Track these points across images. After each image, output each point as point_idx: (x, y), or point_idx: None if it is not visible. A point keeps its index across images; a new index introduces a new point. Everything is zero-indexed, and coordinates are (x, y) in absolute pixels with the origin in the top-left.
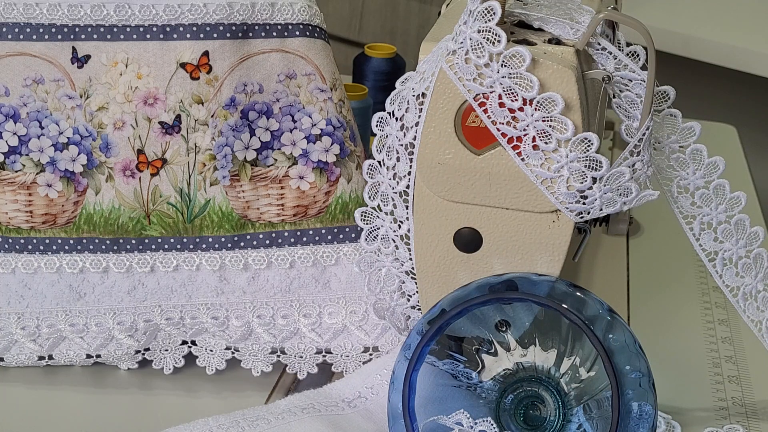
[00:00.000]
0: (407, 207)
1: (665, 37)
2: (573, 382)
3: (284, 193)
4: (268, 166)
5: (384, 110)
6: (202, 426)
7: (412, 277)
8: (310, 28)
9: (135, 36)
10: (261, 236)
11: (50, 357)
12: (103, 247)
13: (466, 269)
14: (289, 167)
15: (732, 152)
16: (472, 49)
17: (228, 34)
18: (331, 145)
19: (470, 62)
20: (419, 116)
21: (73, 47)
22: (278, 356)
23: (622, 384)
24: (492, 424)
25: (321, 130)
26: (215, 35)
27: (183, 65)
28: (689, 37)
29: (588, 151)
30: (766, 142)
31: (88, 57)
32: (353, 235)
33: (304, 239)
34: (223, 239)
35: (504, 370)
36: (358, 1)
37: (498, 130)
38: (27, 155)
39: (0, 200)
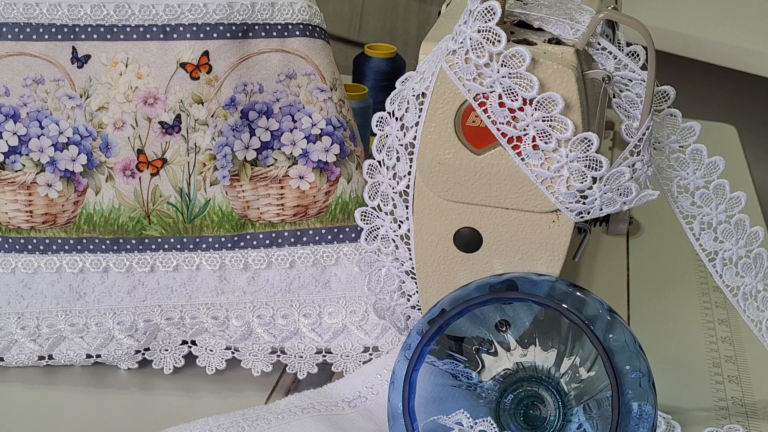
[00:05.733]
0: (407, 207)
1: (664, 36)
2: (573, 381)
3: (284, 193)
4: (268, 166)
5: (384, 110)
6: (202, 426)
7: (412, 277)
8: (310, 27)
9: (135, 36)
10: (261, 236)
11: (50, 357)
12: (103, 246)
13: (466, 269)
14: (289, 167)
15: (732, 152)
16: (472, 49)
17: (228, 34)
18: (331, 145)
19: (470, 62)
20: (419, 116)
21: (73, 47)
22: (278, 356)
23: (622, 384)
24: (492, 424)
25: (321, 130)
26: (215, 35)
27: (183, 65)
28: (688, 37)
29: (588, 150)
30: (766, 142)
31: (88, 57)
32: (353, 235)
33: (304, 239)
34: (223, 239)
35: (504, 369)
36: (358, 1)
37: (498, 129)
38: (27, 155)
39: (0, 200)
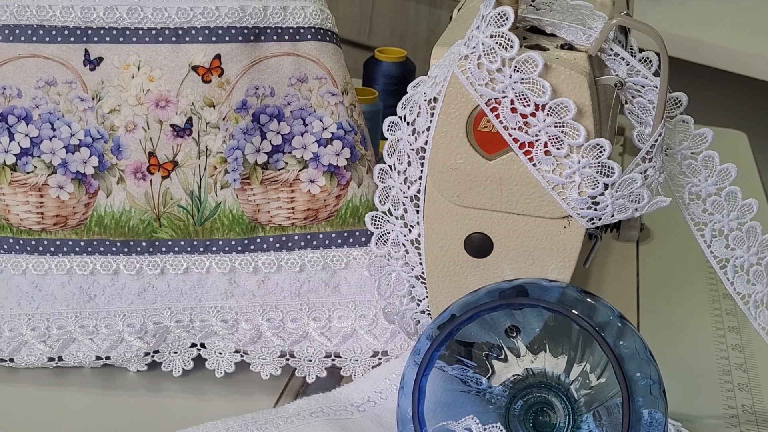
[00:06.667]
0: (418, 211)
1: (674, 42)
2: (583, 388)
3: (295, 196)
4: (279, 170)
5: (395, 114)
6: (211, 429)
7: (422, 282)
8: (322, 31)
9: (147, 39)
10: (271, 239)
11: (60, 358)
12: (114, 249)
13: (477, 274)
14: (299, 171)
15: (742, 158)
16: (485, 54)
17: (240, 38)
18: (342, 149)
19: (482, 67)
20: (431, 121)
21: (86, 49)
22: (287, 360)
23: (633, 391)
24: (501, 430)
25: (332, 133)
26: (227, 38)
27: (195, 68)
28: (698, 43)
29: (600, 157)
30: None
31: (100, 59)
32: (363, 239)
33: (315, 243)
34: (233, 242)
35: (514, 375)
36: (368, 5)
37: (510, 135)
38: (39, 157)
39: (12, 201)
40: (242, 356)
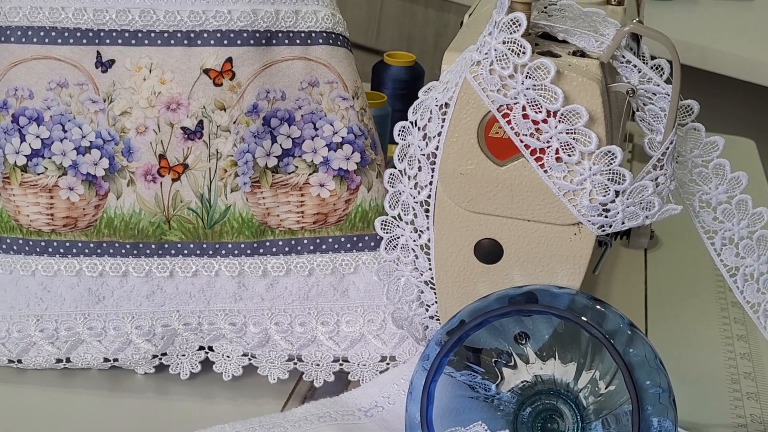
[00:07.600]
0: (428, 217)
1: (682, 49)
2: (592, 395)
3: (304, 200)
4: (289, 173)
5: (404, 119)
6: None
7: (431, 287)
8: (333, 36)
9: (159, 41)
10: (280, 243)
11: (68, 360)
12: (123, 251)
13: (486, 280)
14: (309, 175)
15: (751, 166)
16: (497, 60)
17: (252, 41)
18: (352, 153)
19: (494, 73)
20: (442, 126)
21: (98, 51)
22: (295, 364)
23: (642, 399)
24: None
25: (342, 138)
26: (239, 42)
27: (206, 71)
28: (707, 50)
29: (611, 164)
30: None
31: (112, 61)
32: (372, 244)
33: (324, 247)
34: (242, 245)
35: (522, 382)
36: (375, 8)
37: (521, 141)
38: (49, 158)
39: (22, 202)
40: (250, 360)
